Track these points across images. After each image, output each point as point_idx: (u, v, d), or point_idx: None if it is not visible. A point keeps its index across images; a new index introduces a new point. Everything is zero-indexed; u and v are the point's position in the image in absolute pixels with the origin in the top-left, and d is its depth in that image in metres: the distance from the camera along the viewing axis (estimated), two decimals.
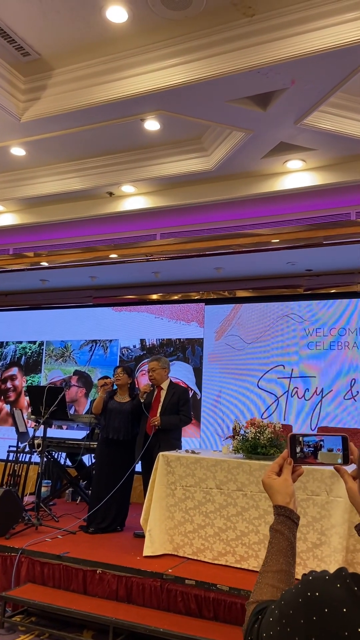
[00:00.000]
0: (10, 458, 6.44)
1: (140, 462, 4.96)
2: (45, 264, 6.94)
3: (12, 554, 4.14)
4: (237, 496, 3.97)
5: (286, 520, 1.09)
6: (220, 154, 4.56)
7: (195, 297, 7.38)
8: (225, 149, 4.46)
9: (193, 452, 4.43)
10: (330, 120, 3.95)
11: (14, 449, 6.73)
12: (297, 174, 4.72)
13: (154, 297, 7.68)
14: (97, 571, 3.84)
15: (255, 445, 4.06)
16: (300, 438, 1.17)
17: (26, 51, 3.55)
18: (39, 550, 4.16)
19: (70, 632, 3.61)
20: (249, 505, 3.92)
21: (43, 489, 5.63)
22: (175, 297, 7.53)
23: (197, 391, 7.10)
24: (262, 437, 4.06)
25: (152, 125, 4.36)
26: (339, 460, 1.16)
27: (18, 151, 5.04)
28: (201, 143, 4.71)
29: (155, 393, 5.09)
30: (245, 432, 4.16)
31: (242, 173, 4.85)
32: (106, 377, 6.45)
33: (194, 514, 4.10)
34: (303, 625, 0.81)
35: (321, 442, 1.17)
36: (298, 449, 1.17)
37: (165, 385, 5.09)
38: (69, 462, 6.49)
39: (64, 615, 3.68)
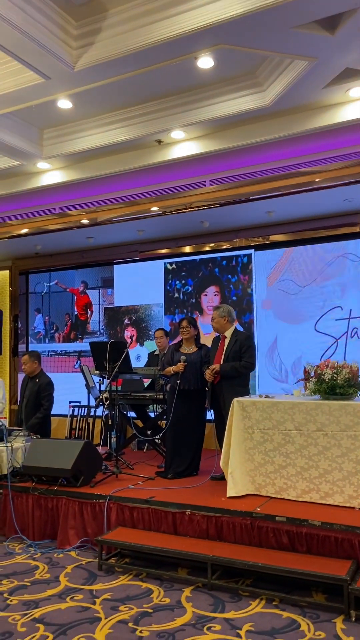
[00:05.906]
0: (74, 413, 6.69)
1: (212, 409, 5.05)
2: (86, 221, 6.87)
3: (101, 501, 4.32)
4: (318, 436, 4.01)
5: None
6: (279, 88, 4.34)
7: (245, 244, 7.25)
8: (285, 82, 4.24)
9: (267, 396, 4.46)
10: None
11: (76, 404, 6.96)
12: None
13: (202, 247, 7.58)
14: (187, 512, 3.97)
15: (333, 387, 4.05)
16: None
17: None
18: (126, 496, 4.32)
19: (166, 570, 3.79)
20: (330, 445, 3.96)
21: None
22: (225, 246, 7.42)
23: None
24: (339, 378, 4.05)
25: (205, 62, 4.16)
26: None
27: (65, 104, 4.91)
28: (256, 78, 4.50)
29: (220, 342, 5.11)
30: (321, 373, 4.14)
31: (301, 106, 4.63)
32: (162, 330, 6.47)
33: (274, 455, 4.17)
34: None
35: None
36: None
37: (228, 333, 5.09)
38: (132, 414, 6.65)
39: (157, 555, 3.85)
